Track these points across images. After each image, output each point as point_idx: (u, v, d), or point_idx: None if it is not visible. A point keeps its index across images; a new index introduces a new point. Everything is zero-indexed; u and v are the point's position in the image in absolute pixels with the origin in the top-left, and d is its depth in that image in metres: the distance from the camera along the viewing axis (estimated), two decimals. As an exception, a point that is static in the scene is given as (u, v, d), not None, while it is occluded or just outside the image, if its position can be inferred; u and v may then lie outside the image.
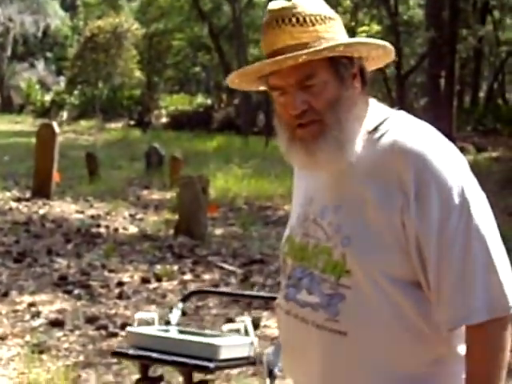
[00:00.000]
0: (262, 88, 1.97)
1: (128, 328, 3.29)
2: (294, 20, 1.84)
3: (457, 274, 1.80)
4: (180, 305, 3.26)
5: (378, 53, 1.95)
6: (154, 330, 3.16)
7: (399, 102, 20.51)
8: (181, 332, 3.24)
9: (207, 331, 3.32)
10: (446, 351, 1.88)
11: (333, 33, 1.87)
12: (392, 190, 1.82)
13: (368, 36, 21.93)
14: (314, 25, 1.85)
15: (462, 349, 1.87)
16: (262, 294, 3.50)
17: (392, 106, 2.02)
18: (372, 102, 1.96)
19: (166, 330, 3.20)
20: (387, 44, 1.92)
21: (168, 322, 3.28)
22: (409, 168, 1.81)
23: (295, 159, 1.92)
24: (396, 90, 24.25)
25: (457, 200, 1.80)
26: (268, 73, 1.88)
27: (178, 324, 3.26)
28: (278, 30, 1.85)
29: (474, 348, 1.81)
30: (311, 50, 1.81)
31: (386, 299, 1.83)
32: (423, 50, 24.37)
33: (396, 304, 1.83)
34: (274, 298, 2.40)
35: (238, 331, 3.11)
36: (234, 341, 3.08)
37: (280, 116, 1.91)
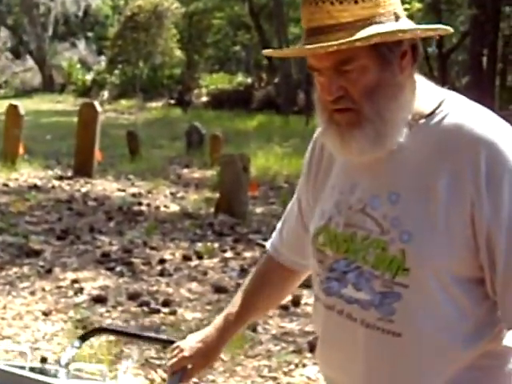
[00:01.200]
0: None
1: None
2: None
3: None
4: (76, 343, 2.59)
5: (428, 33, 1.76)
6: (13, 368, 2.38)
7: (441, 80, 20.35)
8: (69, 375, 2.47)
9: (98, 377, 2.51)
10: (503, 346, 1.79)
11: (379, 8, 1.66)
12: (460, 180, 1.67)
13: (409, 15, 21.71)
14: (356, 2, 1.64)
15: None
16: (165, 337, 2.74)
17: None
18: (420, 80, 1.79)
19: (53, 373, 2.45)
20: (434, 26, 1.73)
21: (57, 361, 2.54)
22: (479, 157, 1.66)
23: (330, 143, 1.79)
24: (438, 68, 24.07)
25: None
26: None
27: (67, 364, 2.48)
28: (315, 7, 1.66)
29: None
30: (344, 40, 1.61)
31: (447, 298, 1.71)
32: (465, 28, 24.13)
33: (457, 302, 1.72)
34: (173, 342, 2.25)
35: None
36: None
37: (319, 95, 1.76)
